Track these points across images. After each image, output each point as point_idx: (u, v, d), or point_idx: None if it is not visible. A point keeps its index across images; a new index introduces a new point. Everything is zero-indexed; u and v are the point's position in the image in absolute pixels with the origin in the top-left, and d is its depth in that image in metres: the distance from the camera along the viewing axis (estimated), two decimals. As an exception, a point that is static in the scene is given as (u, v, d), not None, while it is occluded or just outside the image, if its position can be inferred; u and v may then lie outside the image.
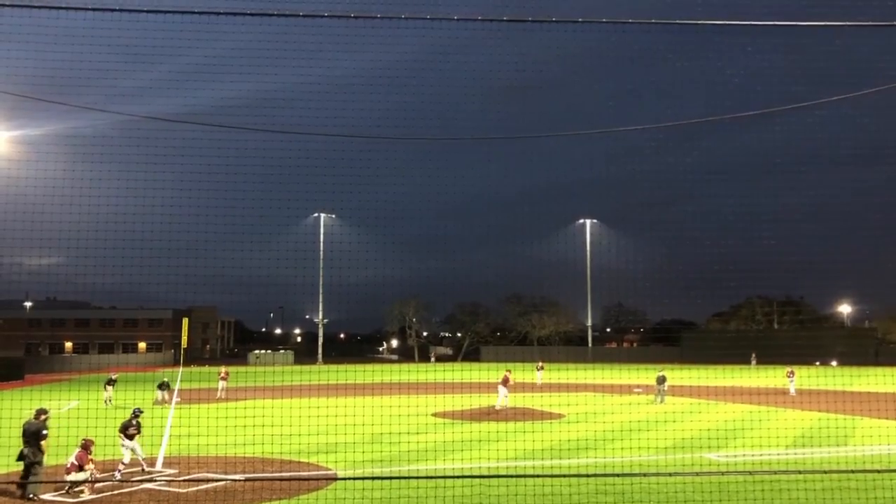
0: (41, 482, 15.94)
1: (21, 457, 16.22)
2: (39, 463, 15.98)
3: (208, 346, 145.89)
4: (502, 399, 35.17)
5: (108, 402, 37.86)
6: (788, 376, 45.44)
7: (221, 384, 44.11)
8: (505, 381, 35.57)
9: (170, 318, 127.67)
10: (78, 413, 28.64)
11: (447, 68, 16.40)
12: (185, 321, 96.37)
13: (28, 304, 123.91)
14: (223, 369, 47.51)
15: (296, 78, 16.32)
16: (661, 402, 38.73)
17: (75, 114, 16.78)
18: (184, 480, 17.78)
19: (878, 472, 16.52)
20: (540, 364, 56.18)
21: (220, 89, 18.35)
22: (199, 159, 16.49)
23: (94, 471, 16.82)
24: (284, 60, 15.23)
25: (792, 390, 44.13)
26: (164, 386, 40.42)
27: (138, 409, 20.63)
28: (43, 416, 16.75)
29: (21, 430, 16.83)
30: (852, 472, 16.68)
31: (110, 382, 39.90)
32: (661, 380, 39.79)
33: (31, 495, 15.58)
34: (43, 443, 16.15)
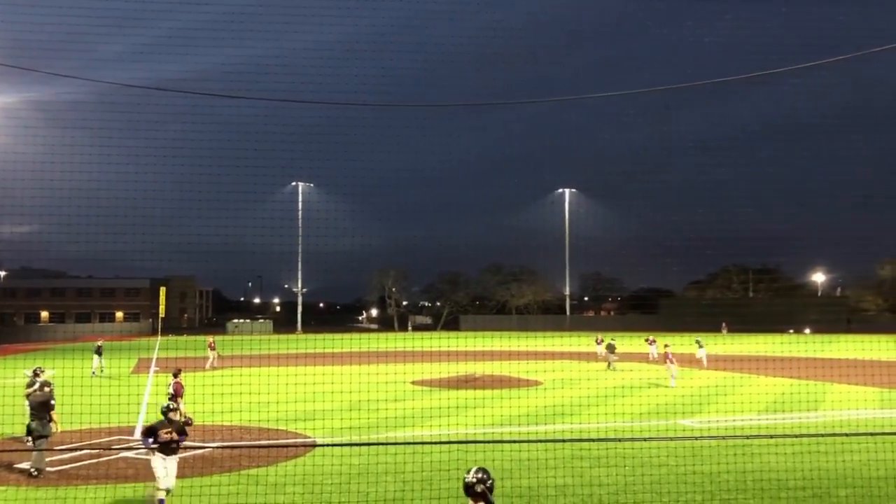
0: (38, 449, 15.71)
1: (29, 431, 16.03)
2: (46, 436, 15.74)
3: (186, 316, 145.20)
4: (673, 376, 32.96)
5: (94, 371, 37.63)
6: (649, 343, 46.76)
7: (212, 354, 43.52)
8: (667, 357, 33.82)
9: (147, 287, 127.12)
10: (62, 381, 28.47)
11: (427, 36, 16.30)
12: (163, 290, 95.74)
13: (1, 273, 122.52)
14: (210, 339, 46.97)
15: (274, 46, 16.16)
16: (612, 369, 39.42)
17: (51, 80, 16.51)
18: (163, 448, 17.77)
19: (847, 435, 16.90)
20: (599, 338, 54.24)
21: (198, 55, 18.12)
22: (177, 126, 16.33)
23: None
24: (263, 27, 15.08)
25: (652, 356, 45.43)
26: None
27: None
28: (48, 388, 16.62)
29: (27, 403, 16.92)
30: (822, 435, 17.05)
31: (98, 351, 39.58)
32: (612, 348, 40.93)
33: (33, 471, 15.30)
34: (53, 413, 15.94)
